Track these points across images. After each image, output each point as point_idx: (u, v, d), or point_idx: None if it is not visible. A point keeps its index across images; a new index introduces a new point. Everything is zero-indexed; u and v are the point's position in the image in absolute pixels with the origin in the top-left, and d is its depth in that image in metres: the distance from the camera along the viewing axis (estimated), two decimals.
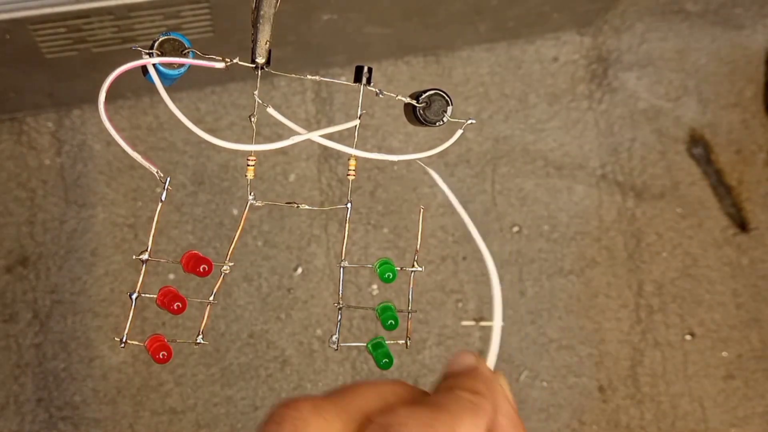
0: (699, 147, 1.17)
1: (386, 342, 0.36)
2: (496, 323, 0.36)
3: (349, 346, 0.38)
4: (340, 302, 0.38)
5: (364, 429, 0.26)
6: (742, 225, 1.17)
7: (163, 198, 0.36)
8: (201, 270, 0.36)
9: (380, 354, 0.36)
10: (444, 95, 0.37)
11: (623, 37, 1.19)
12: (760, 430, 1.14)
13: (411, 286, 0.36)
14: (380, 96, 0.37)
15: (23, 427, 1.02)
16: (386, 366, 0.36)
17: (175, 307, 0.36)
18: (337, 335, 0.36)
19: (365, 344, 0.37)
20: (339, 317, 0.37)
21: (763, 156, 1.19)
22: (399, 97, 0.37)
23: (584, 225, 1.14)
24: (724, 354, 1.14)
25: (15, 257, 1.04)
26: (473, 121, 0.39)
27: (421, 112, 0.38)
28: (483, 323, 1.11)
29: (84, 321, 1.03)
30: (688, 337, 1.14)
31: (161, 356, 0.36)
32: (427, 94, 0.37)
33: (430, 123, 0.38)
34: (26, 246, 1.04)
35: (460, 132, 0.38)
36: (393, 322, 0.37)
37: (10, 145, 1.05)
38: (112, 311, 1.04)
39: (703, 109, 1.19)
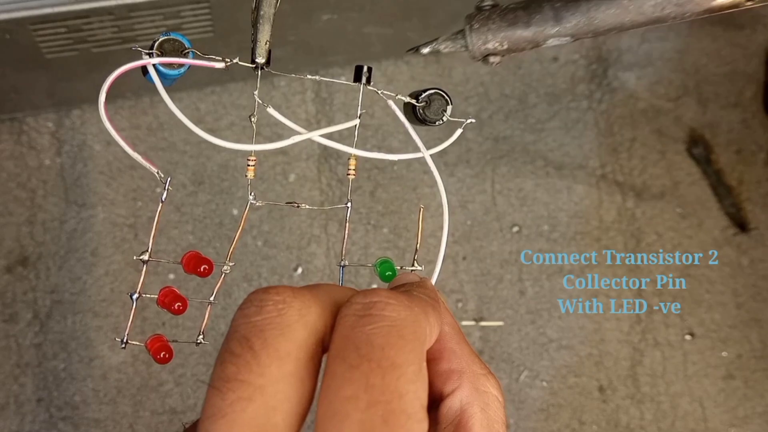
0: (699, 147, 1.17)
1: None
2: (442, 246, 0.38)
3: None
4: None
5: (342, 309, 0.26)
6: (742, 225, 1.17)
7: (163, 198, 0.36)
8: (202, 270, 0.36)
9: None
10: (444, 95, 0.38)
11: (623, 37, 1.19)
12: (760, 430, 1.14)
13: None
14: (380, 93, 0.37)
15: (23, 427, 1.02)
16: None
17: (176, 308, 0.36)
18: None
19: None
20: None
21: (763, 156, 1.19)
22: (399, 97, 0.37)
23: (584, 225, 1.14)
24: (724, 354, 1.14)
25: (15, 257, 1.04)
26: (473, 121, 0.39)
27: (420, 112, 0.38)
28: (483, 323, 1.11)
29: (84, 321, 1.03)
30: (688, 337, 1.14)
31: (162, 356, 0.36)
32: (426, 93, 0.38)
33: (430, 122, 0.38)
34: (26, 246, 1.04)
35: (459, 131, 0.38)
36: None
37: (10, 145, 1.05)
38: (112, 311, 1.04)
39: (703, 109, 1.19)
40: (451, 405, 0.29)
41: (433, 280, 0.36)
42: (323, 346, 0.26)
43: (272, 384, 0.24)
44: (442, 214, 0.37)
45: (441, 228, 0.36)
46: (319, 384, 0.26)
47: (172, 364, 1.05)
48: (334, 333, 0.26)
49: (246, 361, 0.25)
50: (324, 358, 0.26)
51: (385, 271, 0.37)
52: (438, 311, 0.29)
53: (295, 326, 0.25)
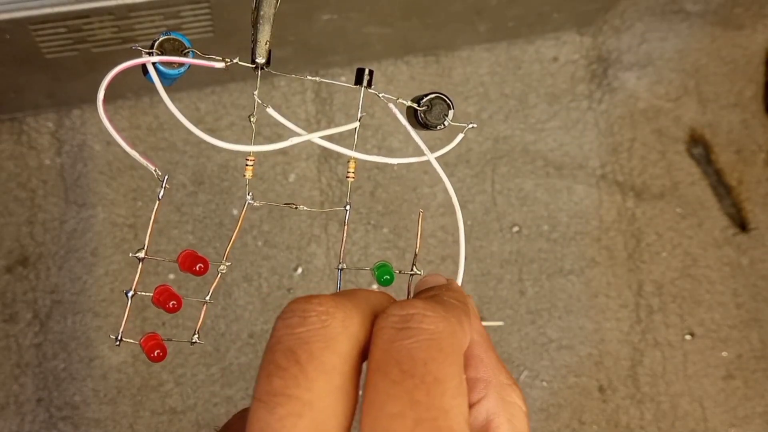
0: (699, 147, 1.17)
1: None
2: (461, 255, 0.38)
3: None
4: None
5: (379, 320, 0.26)
6: (742, 225, 1.17)
7: (160, 196, 0.35)
8: (197, 269, 0.36)
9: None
10: (445, 99, 0.37)
11: (623, 37, 1.19)
12: (760, 430, 1.14)
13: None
14: (381, 97, 0.37)
15: (23, 427, 1.02)
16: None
17: (170, 306, 0.36)
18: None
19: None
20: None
21: (763, 156, 1.19)
22: (400, 100, 0.37)
23: (584, 225, 1.14)
24: (724, 354, 1.14)
25: (15, 257, 1.04)
26: (474, 126, 0.39)
27: (422, 116, 0.38)
28: (483, 323, 1.11)
29: (84, 321, 1.03)
30: (688, 337, 1.14)
31: (156, 354, 0.36)
32: (428, 97, 0.37)
33: (431, 127, 0.38)
34: (26, 246, 1.04)
35: (461, 136, 0.38)
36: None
37: (10, 145, 1.05)
38: (112, 311, 1.04)
39: (703, 109, 1.19)
40: (477, 415, 0.29)
41: (459, 281, 0.36)
42: (364, 355, 0.26)
43: (320, 399, 0.24)
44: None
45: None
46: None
47: (172, 364, 1.05)
48: (372, 345, 0.26)
49: (293, 375, 0.24)
50: (363, 367, 0.26)
51: (383, 275, 0.37)
52: (469, 318, 0.29)
53: (340, 338, 0.25)
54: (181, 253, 0.37)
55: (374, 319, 0.26)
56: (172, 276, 1.02)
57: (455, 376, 0.25)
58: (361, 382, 0.26)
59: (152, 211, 0.36)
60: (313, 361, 0.24)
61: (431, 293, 0.31)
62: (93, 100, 0.33)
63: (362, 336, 0.26)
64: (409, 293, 0.36)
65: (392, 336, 0.25)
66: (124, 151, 0.35)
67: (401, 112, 0.37)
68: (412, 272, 0.38)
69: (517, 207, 1.13)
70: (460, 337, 0.26)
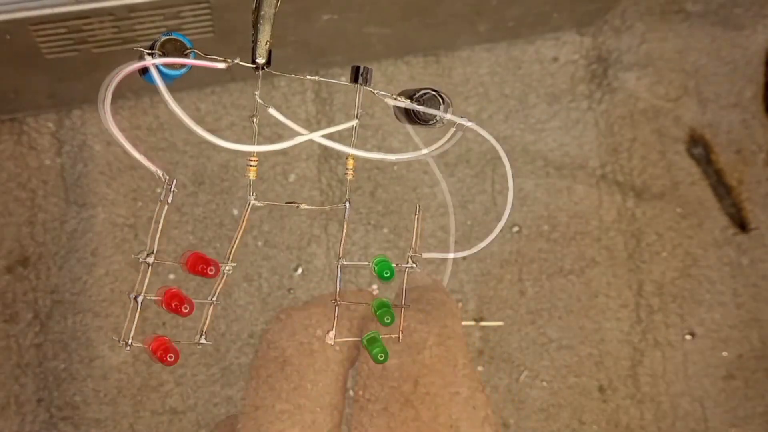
0: (699, 147, 1.18)
1: (381, 336, 0.37)
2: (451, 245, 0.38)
3: (349, 344, 0.38)
4: (337, 299, 0.38)
5: (368, 336, 0.26)
6: (742, 225, 1.17)
7: (169, 200, 0.36)
8: (209, 272, 0.36)
9: (376, 349, 0.37)
10: (437, 94, 0.37)
11: (623, 37, 1.19)
12: (760, 430, 1.14)
13: (404, 282, 0.37)
14: (376, 94, 0.37)
15: (23, 427, 1.02)
16: (382, 360, 0.37)
17: (184, 310, 0.36)
18: (333, 332, 0.36)
19: (361, 339, 0.37)
20: (335, 314, 0.37)
21: (763, 156, 1.19)
22: (394, 96, 0.37)
23: (584, 225, 1.14)
24: (724, 354, 1.14)
25: (15, 257, 1.04)
26: (465, 119, 0.39)
27: (413, 111, 0.38)
28: (483, 323, 1.11)
29: (84, 321, 1.03)
30: (688, 337, 1.14)
31: (170, 359, 0.36)
32: (419, 93, 0.37)
33: (423, 122, 0.37)
34: (26, 246, 1.04)
35: (459, 133, 0.38)
36: (389, 319, 0.37)
37: (10, 145, 1.05)
38: (113, 311, 1.04)
39: (703, 109, 1.19)
40: None
41: (445, 281, 0.36)
42: (352, 363, 0.27)
43: (311, 413, 0.24)
44: (442, 215, 0.37)
45: (441, 228, 0.36)
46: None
47: None
48: (360, 363, 0.26)
49: (285, 389, 0.25)
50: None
51: (383, 270, 0.37)
52: (453, 320, 0.30)
53: (335, 358, 0.26)
54: (189, 257, 0.37)
55: (363, 328, 0.27)
56: (172, 276, 1.02)
57: (452, 386, 0.25)
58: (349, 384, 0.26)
59: (153, 211, 0.36)
60: (305, 377, 0.25)
61: (416, 294, 0.32)
62: (93, 101, 0.33)
63: (353, 352, 0.26)
64: (404, 289, 0.36)
65: (381, 353, 0.25)
66: (125, 152, 0.35)
67: (399, 109, 0.37)
68: (407, 266, 0.38)
69: (517, 207, 1.13)
70: (449, 346, 0.26)
